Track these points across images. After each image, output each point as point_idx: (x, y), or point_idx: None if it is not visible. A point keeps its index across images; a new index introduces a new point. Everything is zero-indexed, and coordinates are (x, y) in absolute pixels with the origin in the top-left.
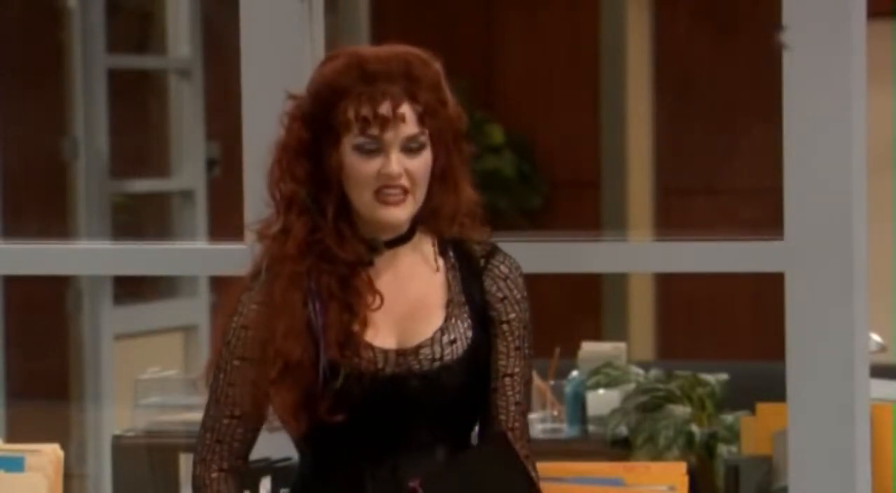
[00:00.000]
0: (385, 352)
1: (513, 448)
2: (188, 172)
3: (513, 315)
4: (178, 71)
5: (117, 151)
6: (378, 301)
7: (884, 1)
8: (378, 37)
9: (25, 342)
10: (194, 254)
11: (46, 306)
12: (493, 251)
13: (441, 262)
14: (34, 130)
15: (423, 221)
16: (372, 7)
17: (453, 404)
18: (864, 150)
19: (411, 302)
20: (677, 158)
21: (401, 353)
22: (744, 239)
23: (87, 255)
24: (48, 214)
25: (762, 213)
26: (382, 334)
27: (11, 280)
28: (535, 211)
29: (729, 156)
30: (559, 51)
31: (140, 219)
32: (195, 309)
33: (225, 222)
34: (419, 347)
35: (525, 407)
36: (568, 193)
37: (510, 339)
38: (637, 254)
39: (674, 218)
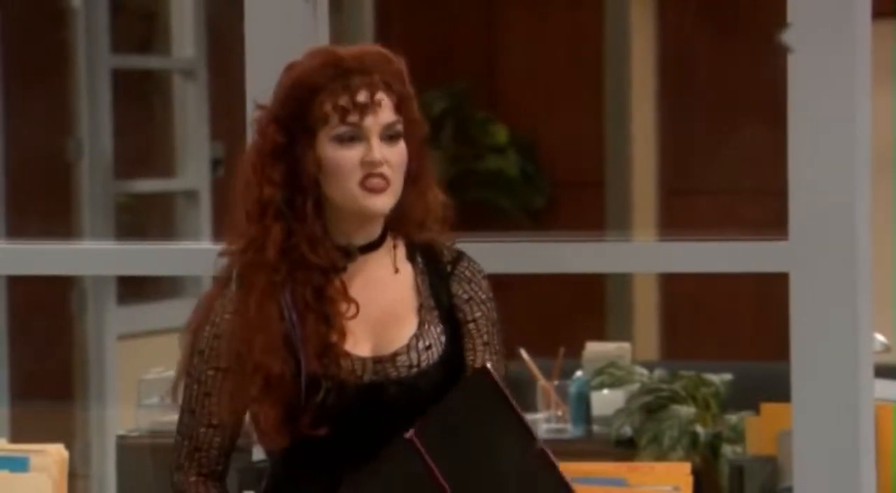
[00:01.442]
0: (363, 360)
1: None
2: (192, 172)
3: (478, 314)
4: (183, 71)
5: (121, 152)
6: (353, 310)
7: (885, 1)
8: (382, 37)
9: (29, 342)
10: (198, 254)
11: (50, 307)
12: (459, 257)
13: (410, 267)
14: (38, 131)
15: (392, 225)
16: (376, 7)
17: (428, 408)
18: (868, 150)
19: (384, 308)
20: (681, 158)
21: (377, 360)
22: (748, 239)
23: (91, 255)
24: (52, 215)
25: (766, 213)
26: (358, 342)
27: (16, 280)
28: (539, 211)
29: (733, 156)
30: (563, 51)
31: (144, 219)
32: None
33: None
34: (395, 354)
35: None
36: (571, 193)
37: (476, 336)
38: (641, 254)
39: (678, 218)
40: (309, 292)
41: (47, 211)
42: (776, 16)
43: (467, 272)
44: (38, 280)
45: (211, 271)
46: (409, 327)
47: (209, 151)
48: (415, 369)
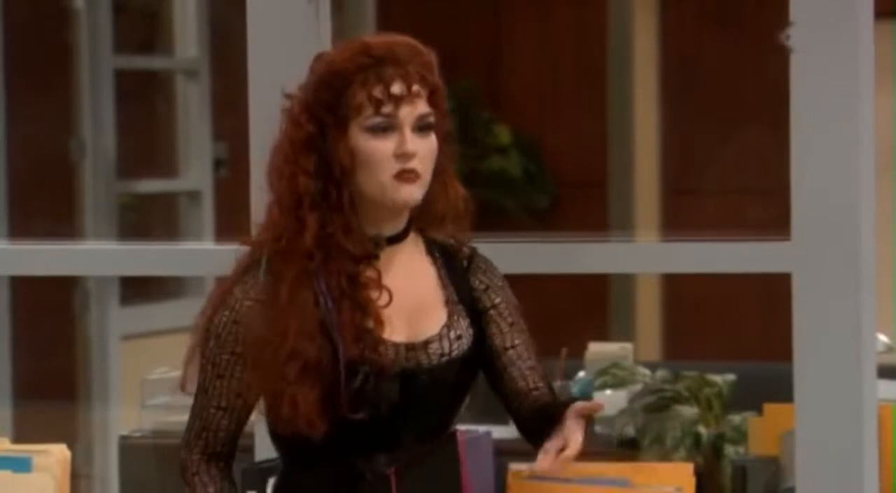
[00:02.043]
0: (396, 346)
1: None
2: (195, 172)
3: (498, 300)
4: (185, 71)
5: (124, 152)
6: (386, 297)
7: (886, 2)
8: None
9: (32, 343)
10: (201, 254)
11: (54, 307)
12: (473, 254)
13: (432, 261)
14: (42, 131)
15: (413, 219)
16: (379, 8)
17: (449, 397)
18: (872, 150)
19: (416, 297)
20: (684, 158)
21: (410, 348)
22: (751, 240)
23: (95, 255)
24: (55, 215)
25: (769, 213)
26: (394, 329)
27: (19, 280)
28: (542, 211)
29: (736, 156)
30: (566, 51)
31: (147, 219)
32: None
33: (232, 223)
34: (428, 342)
35: (542, 371)
36: (575, 194)
37: (500, 320)
38: (644, 254)
39: (681, 218)
40: (344, 279)
41: (50, 211)
42: (779, 16)
43: (481, 264)
44: (41, 280)
45: (213, 271)
46: (440, 316)
47: (212, 151)
48: (445, 358)
